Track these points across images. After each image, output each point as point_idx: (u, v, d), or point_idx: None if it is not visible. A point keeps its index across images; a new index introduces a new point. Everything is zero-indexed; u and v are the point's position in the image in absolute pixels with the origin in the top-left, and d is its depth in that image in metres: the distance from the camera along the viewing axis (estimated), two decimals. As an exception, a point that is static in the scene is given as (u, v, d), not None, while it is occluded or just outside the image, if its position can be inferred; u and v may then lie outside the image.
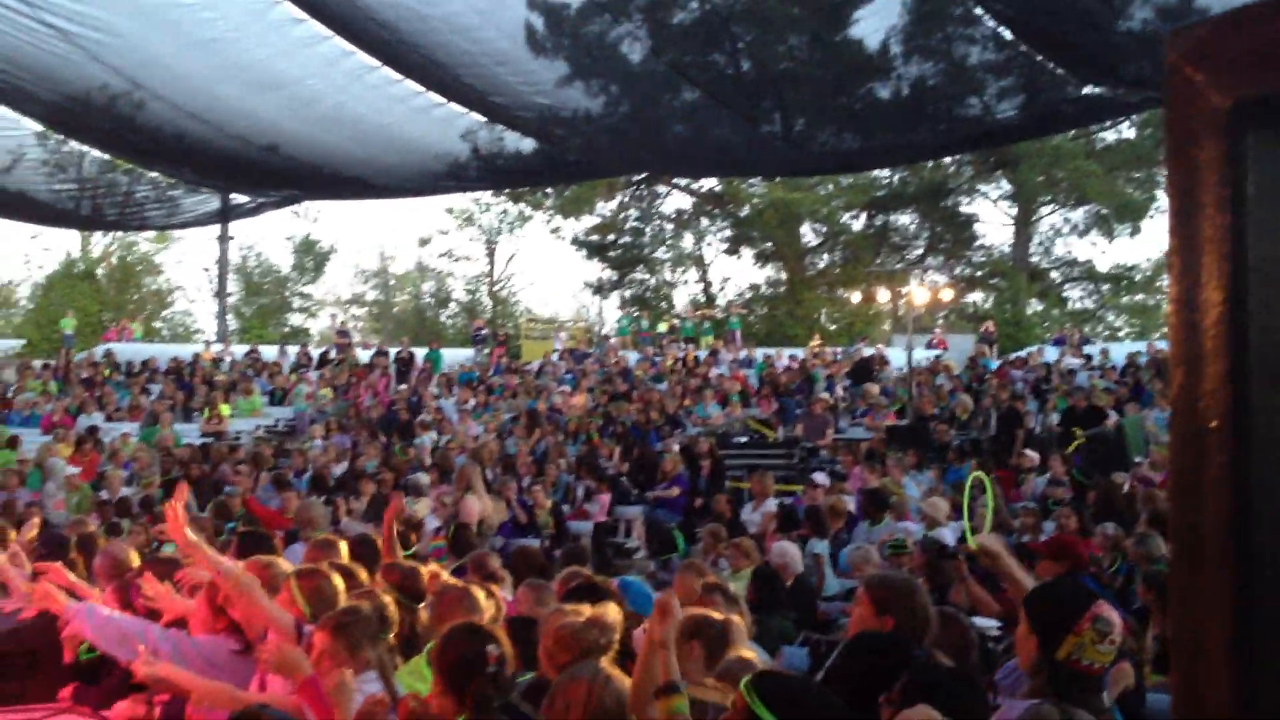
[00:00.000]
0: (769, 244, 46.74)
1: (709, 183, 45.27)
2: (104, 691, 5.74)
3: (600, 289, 50.72)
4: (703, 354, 27.12)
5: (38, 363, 28.31)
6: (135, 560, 6.71)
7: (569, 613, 4.28)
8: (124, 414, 22.30)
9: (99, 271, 49.18)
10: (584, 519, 14.14)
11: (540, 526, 13.02)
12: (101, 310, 43.11)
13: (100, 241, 49.86)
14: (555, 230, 50.55)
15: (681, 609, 3.80)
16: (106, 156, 25.68)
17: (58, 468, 16.36)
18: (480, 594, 4.94)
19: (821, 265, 47.42)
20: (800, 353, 27.08)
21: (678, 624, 3.64)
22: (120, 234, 46.32)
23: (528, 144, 17.86)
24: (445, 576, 5.50)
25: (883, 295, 33.81)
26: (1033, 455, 14.67)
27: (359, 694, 4.18)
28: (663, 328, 34.40)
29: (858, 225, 46.61)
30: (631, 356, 27.63)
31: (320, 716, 4.17)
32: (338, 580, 5.21)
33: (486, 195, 48.58)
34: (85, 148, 25.02)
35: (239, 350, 29.83)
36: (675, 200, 48.79)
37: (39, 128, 23.86)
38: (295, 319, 53.96)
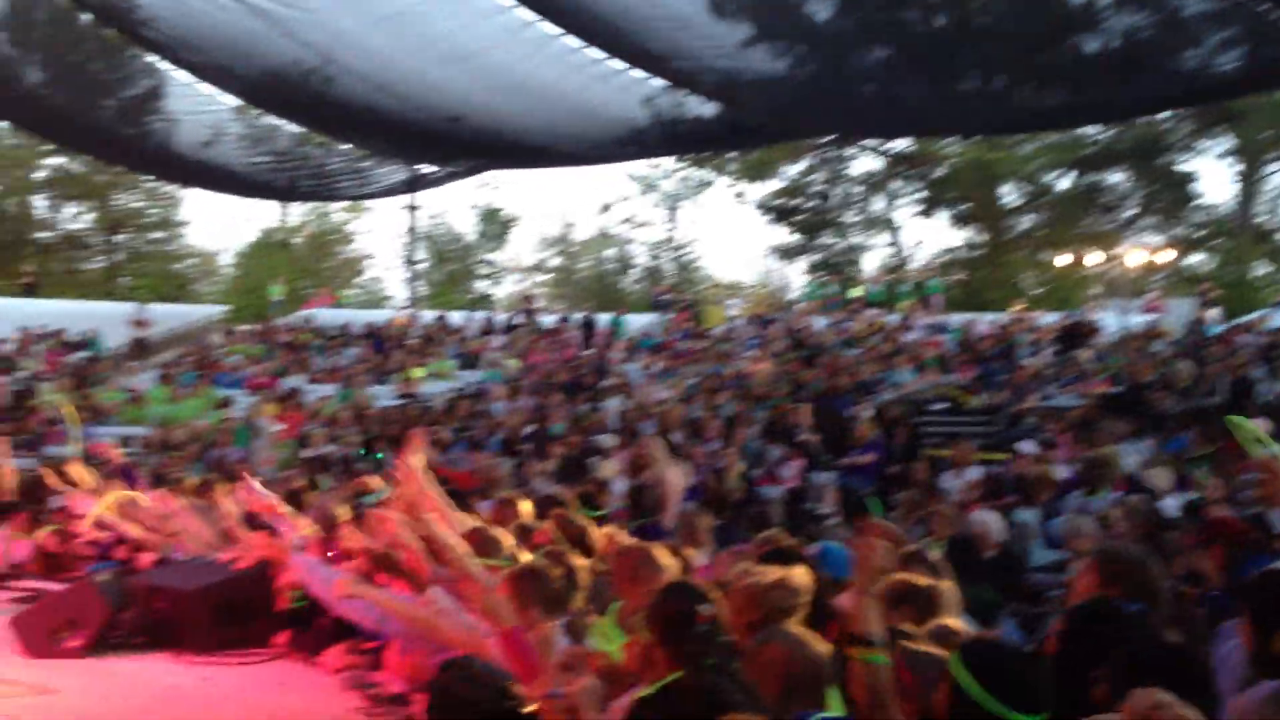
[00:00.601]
0: (966, 205, 45.43)
1: (901, 143, 44.17)
2: (317, 637, 5.98)
3: (786, 254, 50.24)
4: (895, 318, 26.66)
5: (242, 328, 29.64)
6: (342, 513, 6.94)
7: (755, 573, 4.24)
8: (323, 376, 23.19)
9: (296, 240, 51.21)
10: (774, 484, 14.02)
11: (730, 492, 12.93)
12: (298, 278, 44.84)
13: (297, 212, 51.97)
14: (739, 195, 50.26)
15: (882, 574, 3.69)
16: (301, 130, 26.47)
17: (266, 427, 17.10)
18: (662, 555, 4.90)
19: (1024, 227, 45.82)
20: (1000, 317, 26.28)
21: (875, 574, 3.55)
22: (315, 204, 48.16)
23: (709, 108, 17.63)
24: (623, 539, 5.50)
25: (1092, 258, 32.32)
26: (1263, 425, 13.83)
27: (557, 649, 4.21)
28: (855, 292, 33.88)
29: (1064, 185, 44.74)
30: (819, 322, 27.32)
31: (516, 665, 4.22)
32: (503, 537, 5.25)
33: (668, 161, 48.59)
34: (281, 122, 25.87)
35: (428, 316, 30.64)
36: (865, 162, 47.82)
37: (238, 103, 24.75)
38: (481, 285, 55.20)
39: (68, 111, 27.57)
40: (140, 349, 27.50)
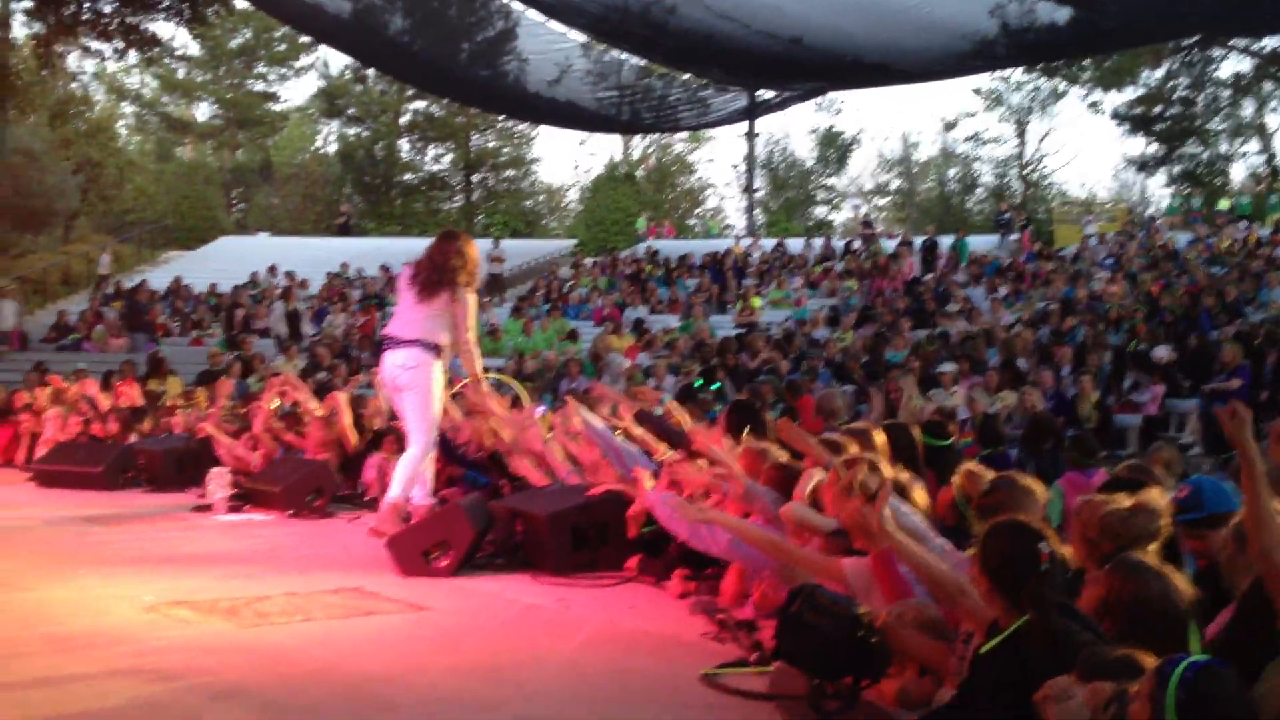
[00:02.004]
0: (1347, 105, 41.29)
1: (1272, 41, 40.42)
2: (663, 564, 6.20)
3: (1144, 166, 47.33)
4: (1267, 232, 24.60)
5: (589, 260, 30.73)
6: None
7: (1109, 500, 4.00)
8: (664, 307, 23.74)
9: (638, 173, 52.46)
10: (1132, 412, 13.31)
11: (1083, 419, 12.37)
12: (641, 209, 46.00)
13: (638, 144, 53.18)
14: (1093, 105, 47.59)
15: None
16: (643, 63, 26.96)
17: (615, 360, 17.62)
18: (1037, 486, 4.72)
19: None
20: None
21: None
22: (656, 136, 49.12)
23: (1062, 14, 16.65)
24: (983, 473, 5.32)
25: None
26: None
27: None
28: (1223, 205, 31.50)
29: None
30: (1181, 238, 25.65)
31: (889, 588, 4.21)
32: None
33: (1015, 73, 46.52)
34: (624, 56, 26.43)
35: (767, 244, 30.71)
36: (1233, 63, 44.16)
37: (584, 39, 25.41)
38: (819, 211, 54.83)
39: (429, 56, 29.32)
40: (496, 284, 29.03)
